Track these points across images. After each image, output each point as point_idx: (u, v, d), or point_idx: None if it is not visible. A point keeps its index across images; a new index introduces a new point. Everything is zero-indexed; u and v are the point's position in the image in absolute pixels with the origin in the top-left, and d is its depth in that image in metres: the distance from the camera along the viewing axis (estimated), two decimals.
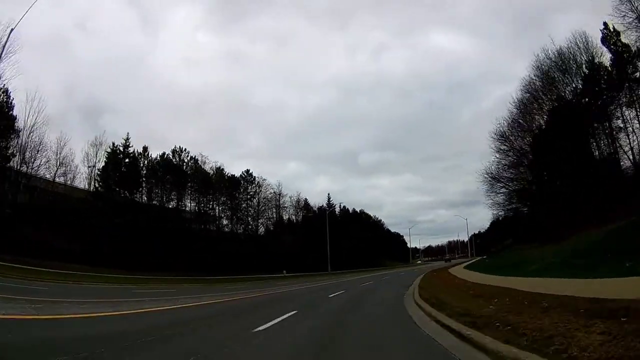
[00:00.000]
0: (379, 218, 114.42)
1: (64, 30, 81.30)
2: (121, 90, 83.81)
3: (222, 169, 67.09)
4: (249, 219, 69.57)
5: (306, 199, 76.94)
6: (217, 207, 66.75)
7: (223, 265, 47.97)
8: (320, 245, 65.11)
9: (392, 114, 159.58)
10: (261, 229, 70.76)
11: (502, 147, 40.00)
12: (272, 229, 71.35)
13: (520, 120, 37.23)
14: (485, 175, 42.73)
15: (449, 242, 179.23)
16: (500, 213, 51.68)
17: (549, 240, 28.12)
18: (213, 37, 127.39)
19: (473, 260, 61.02)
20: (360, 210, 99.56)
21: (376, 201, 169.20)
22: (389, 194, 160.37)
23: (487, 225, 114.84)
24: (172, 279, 35.53)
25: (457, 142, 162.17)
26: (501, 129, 39.29)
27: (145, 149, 55.25)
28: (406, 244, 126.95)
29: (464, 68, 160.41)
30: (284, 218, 73.88)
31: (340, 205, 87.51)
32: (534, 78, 35.86)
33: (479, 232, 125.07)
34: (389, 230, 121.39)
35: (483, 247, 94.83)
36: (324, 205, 79.68)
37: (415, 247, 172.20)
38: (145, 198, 55.04)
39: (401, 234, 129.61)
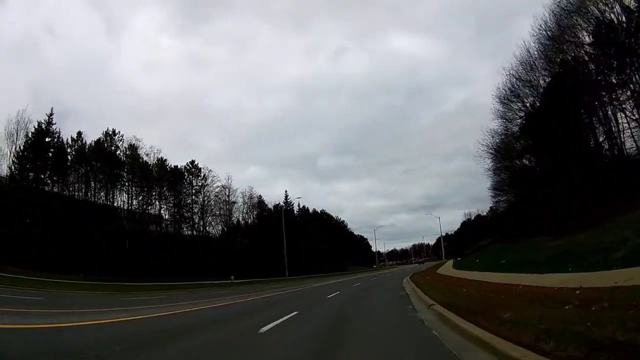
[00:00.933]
0: (342, 219, 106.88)
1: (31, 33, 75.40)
2: (84, 95, 79.49)
3: (165, 160, 56.83)
4: (195, 217, 59.30)
5: (260, 196, 67.48)
6: (158, 203, 56.27)
7: (158, 268, 38.18)
8: (276, 247, 56.24)
9: (351, 118, 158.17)
10: (211, 230, 60.69)
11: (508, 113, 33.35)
12: (221, 228, 61.36)
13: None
14: (490, 151, 36.69)
15: (414, 245, 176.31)
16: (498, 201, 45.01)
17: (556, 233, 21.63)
18: (175, 41, 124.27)
19: (448, 262, 54.79)
20: (321, 211, 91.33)
21: (337, 206, 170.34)
22: (349, 199, 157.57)
23: (456, 227, 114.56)
24: (77, 284, 25.86)
25: (417, 146, 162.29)
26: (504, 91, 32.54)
27: (79, 134, 45.27)
28: (370, 247, 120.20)
29: (425, 71, 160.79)
30: (235, 216, 63.96)
31: (299, 204, 78.82)
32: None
33: (447, 234, 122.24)
34: (352, 233, 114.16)
35: (453, 249, 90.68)
36: (281, 203, 70.76)
37: (379, 251, 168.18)
38: (73, 190, 44.33)
39: (365, 237, 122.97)
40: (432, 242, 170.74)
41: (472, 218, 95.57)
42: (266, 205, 67.70)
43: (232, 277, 42.09)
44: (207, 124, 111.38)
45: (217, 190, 59.30)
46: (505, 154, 35.30)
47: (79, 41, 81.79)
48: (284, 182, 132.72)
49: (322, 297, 15.78)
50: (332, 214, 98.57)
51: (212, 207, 59.36)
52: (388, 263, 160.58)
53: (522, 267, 15.30)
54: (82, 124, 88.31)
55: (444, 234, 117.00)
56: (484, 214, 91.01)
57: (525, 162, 34.65)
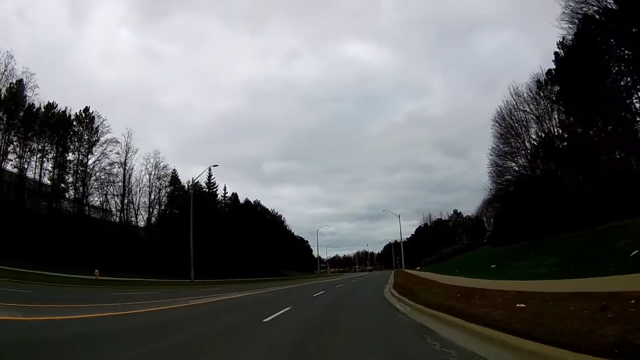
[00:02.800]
0: (280, 214, 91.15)
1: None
2: (40, 80, 58.07)
3: (55, 105, 40.63)
4: (79, 183, 42.47)
5: (175, 170, 51.54)
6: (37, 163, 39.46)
7: None
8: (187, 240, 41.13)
9: (299, 123, 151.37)
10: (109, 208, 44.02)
11: None
12: (117, 202, 44.99)
13: None
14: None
15: (358, 253, 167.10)
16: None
17: None
18: (133, 34, 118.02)
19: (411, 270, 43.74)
20: (255, 202, 75.85)
21: (279, 211, 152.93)
22: (293, 204, 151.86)
23: (406, 237, 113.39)
24: None
25: (363, 156, 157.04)
26: None
27: None
28: (311, 251, 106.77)
29: (377, 80, 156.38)
30: (137, 192, 47.27)
31: (225, 189, 63.36)
32: None
33: (395, 241, 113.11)
34: (291, 234, 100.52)
35: (406, 257, 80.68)
36: (201, 182, 54.86)
37: (320, 257, 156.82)
38: None
39: (306, 239, 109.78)
40: (377, 250, 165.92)
41: (430, 223, 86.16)
42: (181, 182, 51.93)
43: (97, 271, 26.85)
44: (156, 119, 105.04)
45: (110, 150, 42.95)
46: None
47: (45, 27, 75.89)
48: (228, 184, 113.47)
49: None
50: (268, 207, 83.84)
51: (100, 174, 42.89)
52: (330, 270, 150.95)
53: None
54: None
55: (391, 242, 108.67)
56: (445, 218, 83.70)
57: None
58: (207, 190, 55.46)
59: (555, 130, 31.53)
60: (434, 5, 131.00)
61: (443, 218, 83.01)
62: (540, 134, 32.39)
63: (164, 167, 48.35)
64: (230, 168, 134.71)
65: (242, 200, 67.60)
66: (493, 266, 25.89)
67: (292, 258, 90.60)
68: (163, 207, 49.31)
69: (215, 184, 57.75)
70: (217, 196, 58.12)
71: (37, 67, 71.46)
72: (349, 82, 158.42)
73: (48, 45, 74.07)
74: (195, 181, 46.50)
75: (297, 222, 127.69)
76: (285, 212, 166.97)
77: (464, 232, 77.13)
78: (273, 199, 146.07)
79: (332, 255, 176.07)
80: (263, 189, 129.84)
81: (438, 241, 70.90)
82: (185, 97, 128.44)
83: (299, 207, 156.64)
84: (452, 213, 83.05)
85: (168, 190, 49.38)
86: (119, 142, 44.22)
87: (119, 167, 44.36)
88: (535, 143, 32.88)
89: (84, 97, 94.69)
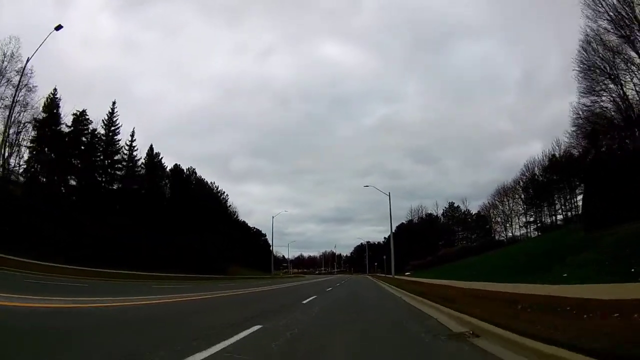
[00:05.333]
0: (224, 192, 71.69)
1: None
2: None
3: None
4: None
5: (55, 93, 33.73)
6: None
7: None
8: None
9: (269, 121, 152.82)
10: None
11: None
12: None
13: None
14: None
15: (324, 253, 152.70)
16: None
17: None
18: (113, 21, 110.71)
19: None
20: (190, 170, 55.58)
21: (246, 208, 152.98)
22: (260, 203, 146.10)
23: (375, 241, 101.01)
24: None
25: (332, 157, 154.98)
26: None
27: None
28: (269, 246, 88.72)
29: (351, 82, 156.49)
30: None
31: (133, 135, 42.76)
32: None
33: (368, 242, 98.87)
34: (245, 224, 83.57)
35: (379, 261, 65.74)
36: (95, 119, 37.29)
37: (283, 256, 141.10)
38: None
39: (264, 233, 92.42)
40: (345, 253, 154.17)
41: (418, 219, 71.09)
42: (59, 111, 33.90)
43: None
44: (128, 109, 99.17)
45: None
46: None
47: (28, 8, 63.57)
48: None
49: None
50: (207, 180, 63.21)
51: None
52: (292, 271, 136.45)
53: None
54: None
55: (364, 242, 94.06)
56: (436, 216, 68.81)
57: None
58: (105, 131, 38.44)
59: None
60: (414, 10, 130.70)
61: (434, 213, 68.73)
62: None
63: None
64: (199, 162, 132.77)
65: (169, 165, 48.62)
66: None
67: (245, 253, 73.52)
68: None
69: (117, 123, 39.90)
70: (116, 142, 39.87)
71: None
72: (322, 83, 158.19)
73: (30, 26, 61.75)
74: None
75: (263, 221, 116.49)
76: (253, 210, 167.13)
77: (466, 230, 63.73)
78: (240, 196, 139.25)
79: (296, 255, 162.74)
80: (230, 185, 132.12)
81: (429, 241, 56.89)
82: (158, 88, 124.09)
83: (267, 205, 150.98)
84: (447, 206, 69.46)
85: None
86: None
87: None
88: None
89: (57, 79, 79.16)
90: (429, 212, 72.06)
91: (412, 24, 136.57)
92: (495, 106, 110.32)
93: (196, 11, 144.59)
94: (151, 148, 44.04)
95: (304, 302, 11.31)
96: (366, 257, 75.50)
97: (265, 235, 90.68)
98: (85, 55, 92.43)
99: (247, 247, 74.07)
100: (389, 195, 37.44)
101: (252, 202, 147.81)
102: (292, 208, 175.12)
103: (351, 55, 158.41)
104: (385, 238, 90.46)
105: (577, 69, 25.45)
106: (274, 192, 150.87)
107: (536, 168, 49.34)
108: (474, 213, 64.66)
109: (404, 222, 70.28)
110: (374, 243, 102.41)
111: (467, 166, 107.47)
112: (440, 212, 71.04)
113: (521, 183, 52.39)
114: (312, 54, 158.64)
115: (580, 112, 26.45)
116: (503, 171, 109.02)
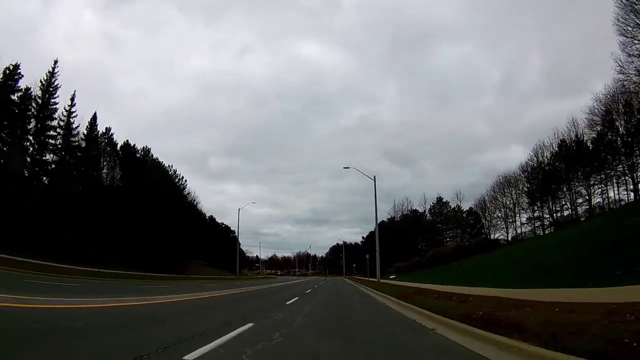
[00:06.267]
0: (181, 176, 61.40)
1: None
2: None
3: None
4: None
5: None
6: None
7: None
8: None
9: (246, 120, 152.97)
10: None
11: None
12: None
13: None
14: None
15: (299, 254, 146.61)
16: None
17: None
18: (96, 17, 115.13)
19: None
20: (145, 149, 47.92)
21: (222, 207, 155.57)
22: (236, 202, 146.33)
23: (361, 238, 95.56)
24: None
25: (309, 158, 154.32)
26: None
27: None
28: (235, 240, 79.78)
29: (328, 82, 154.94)
30: None
31: (73, 101, 35.47)
32: None
33: (344, 242, 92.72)
34: (212, 218, 77.20)
35: (358, 263, 60.21)
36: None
37: (257, 256, 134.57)
38: None
39: (232, 228, 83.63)
40: (320, 254, 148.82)
41: (400, 218, 65.61)
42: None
43: None
44: (108, 106, 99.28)
45: None
46: None
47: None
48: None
49: None
50: (164, 162, 54.91)
51: None
52: (265, 272, 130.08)
53: None
54: None
55: (340, 243, 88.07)
56: (422, 212, 63.16)
57: None
58: (41, 92, 31.85)
59: None
60: (394, 10, 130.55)
61: (419, 210, 63.37)
62: None
63: None
64: (177, 161, 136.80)
65: (115, 138, 40.72)
66: None
67: (211, 251, 66.65)
68: None
69: (57, 84, 33.33)
70: (53, 105, 32.91)
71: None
72: (299, 82, 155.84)
73: (15, 20, 67.11)
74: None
75: (241, 220, 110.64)
76: (229, 209, 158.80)
77: (456, 228, 58.87)
78: (217, 195, 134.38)
79: (270, 255, 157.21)
80: (207, 183, 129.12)
81: (414, 240, 52.05)
82: (137, 85, 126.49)
83: (242, 205, 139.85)
84: (435, 201, 64.65)
85: None
86: None
87: None
88: None
89: (38, 75, 72.60)
90: (415, 208, 66.90)
91: (392, 25, 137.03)
92: (473, 109, 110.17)
93: (177, 8, 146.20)
94: (94, 117, 36.87)
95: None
96: (343, 257, 70.28)
97: (233, 231, 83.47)
98: (66, 50, 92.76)
99: (213, 245, 67.27)
100: (374, 179, 32.24)
101: (229, 201, 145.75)
102: (268, 208, 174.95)
103: (330, 55, 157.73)
104: (363, 238, 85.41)
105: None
106: (251, 192, 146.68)
107: (547, 152, 45.11)
108: (464, 210, 60.09)
109: (385, 220, 64.70)
110: (351, 244, 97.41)
111: (445, 168, 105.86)
112: (428, 207, 66.22)
113: (529, 170, 47.44)
114: (289, 53, 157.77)
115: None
116: (482, 175, 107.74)
